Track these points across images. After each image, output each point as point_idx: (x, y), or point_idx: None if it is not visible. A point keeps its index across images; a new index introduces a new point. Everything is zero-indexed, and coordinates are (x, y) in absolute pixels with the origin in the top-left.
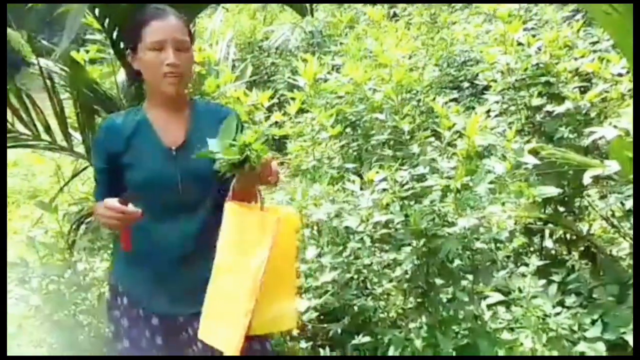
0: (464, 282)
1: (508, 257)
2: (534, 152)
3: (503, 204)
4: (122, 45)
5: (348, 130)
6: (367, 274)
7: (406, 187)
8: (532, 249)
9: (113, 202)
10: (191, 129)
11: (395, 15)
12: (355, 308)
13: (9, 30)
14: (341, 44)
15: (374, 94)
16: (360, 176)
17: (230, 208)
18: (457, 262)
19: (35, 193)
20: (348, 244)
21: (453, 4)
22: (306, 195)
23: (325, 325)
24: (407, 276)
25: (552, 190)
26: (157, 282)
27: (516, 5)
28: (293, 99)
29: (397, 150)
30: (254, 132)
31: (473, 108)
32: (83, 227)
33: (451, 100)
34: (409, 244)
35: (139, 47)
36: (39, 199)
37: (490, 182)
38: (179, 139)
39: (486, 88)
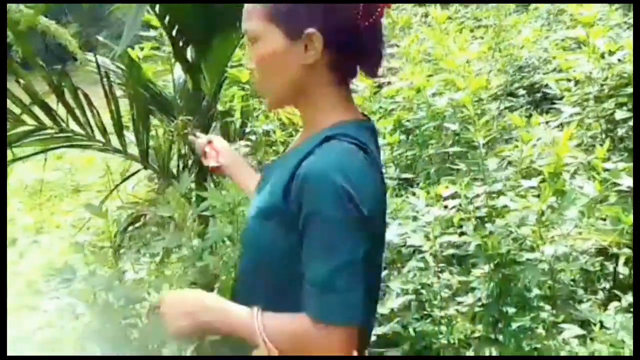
0: (543, 314)
1: (574, 280)
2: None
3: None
4: (181, 43)
5: (402, 137)
6: (426, 295)
7: (478, 204)
8: (604, 272)
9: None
10: (276, 166)
11: (448, 18)
12: (411, 332)
13: (55, 25)
14: (397, 46)
15: (435, 99)
16: (411, 186)
17: None
18: (535, 291)
19: (77, 188)
20: (408, 263)
21: (509, 7)
22: None
23: (383, 350)
24: (480, 303)
25: None
26: None
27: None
28: None
29: (470, 165)
30: None
31: (530, 116)
32: (128, 233)
33: (505, 108)
34: (482, 268)
35: None
36: (88, 204)
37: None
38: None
39: (545, 96)
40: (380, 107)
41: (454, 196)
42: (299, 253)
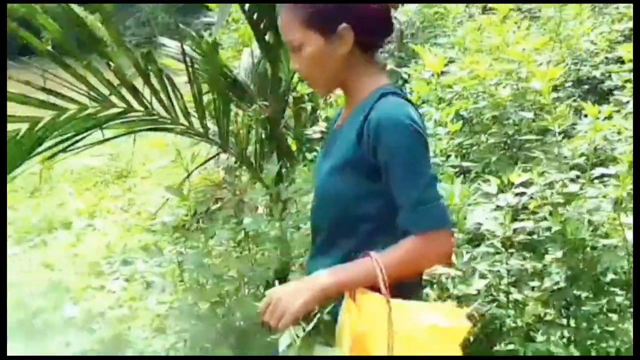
0: (618, 299)
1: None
2: None
3: None
4: (261, 27)
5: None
6: (493, 279)
7: (554, 192)
8: None
9: None
10: (338, 133)
11: (490, 9)
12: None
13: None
14: (448, 35)
15: (496, 89)
16: (464, 174)
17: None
18: (610, 276)
19: (122, 173)
20: (476, 248)
21: None
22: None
23: None
24: (556, 287)
25: None
26: None
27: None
28: (411, 91)
29: (545, 152)
30: None
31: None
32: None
33: (556, 99)
34: (554, 253)
35: None
36: (169, 186)
37: None
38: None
39: (592, 88)
40: (437, 96)
41: (524, 184)
42: (368, 195)
